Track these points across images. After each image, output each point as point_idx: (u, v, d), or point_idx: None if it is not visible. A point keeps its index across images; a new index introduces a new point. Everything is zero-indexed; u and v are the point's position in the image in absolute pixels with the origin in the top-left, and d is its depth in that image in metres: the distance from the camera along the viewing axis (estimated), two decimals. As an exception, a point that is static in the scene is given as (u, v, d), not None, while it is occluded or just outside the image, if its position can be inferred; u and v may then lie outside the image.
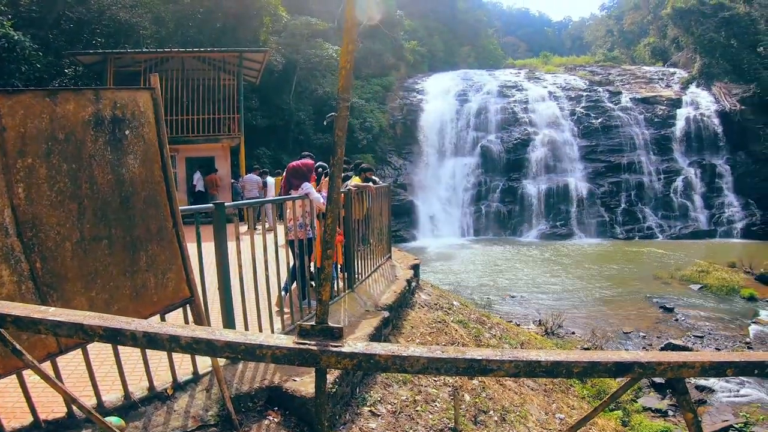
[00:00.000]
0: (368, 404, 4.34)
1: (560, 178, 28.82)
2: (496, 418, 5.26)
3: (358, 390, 4.44)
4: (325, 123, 17.36)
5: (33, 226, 2.28)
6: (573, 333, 12.07)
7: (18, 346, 1.19)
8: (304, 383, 3.74)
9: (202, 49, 18.32)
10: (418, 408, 4.65)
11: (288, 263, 5.07)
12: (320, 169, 6.72)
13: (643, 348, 11.22)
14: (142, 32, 21.98)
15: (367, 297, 5.94)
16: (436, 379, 5.40)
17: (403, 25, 42.29)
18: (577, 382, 7.90)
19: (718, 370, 1.22)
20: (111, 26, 21.29)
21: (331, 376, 3.92)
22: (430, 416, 4.62)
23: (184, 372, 3.56)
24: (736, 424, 7.76)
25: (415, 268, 8.21)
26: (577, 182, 28.57)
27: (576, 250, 24.10)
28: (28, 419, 2.81)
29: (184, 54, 17.54)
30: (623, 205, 27.94)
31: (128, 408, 3.16)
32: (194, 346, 1.05)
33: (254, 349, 1.06)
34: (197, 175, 16.76)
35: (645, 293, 15.83)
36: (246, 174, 16.10)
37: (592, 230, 27.39)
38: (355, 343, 1.09)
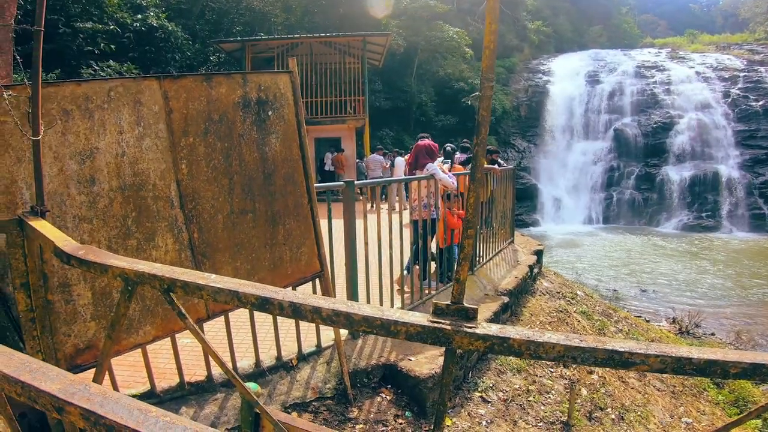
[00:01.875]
0: (479, 390, 4.29)
1: (708, 165, 25.81)
2: (613, 416, 4.98)
3: (470, 374, 4.41)
4: (469, 102, 17.32)
5: (193, 199, 2.55)
6: (712, 334, 10.95)
7: (183, 310, 1.34)
8: (418, 363, 3.79)
9: (327, 34, 19.05)
10: (531, 398, 4.52)
11: (411, 243, 5.15)
12: (449, 149, 6.70)
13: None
14: (273, 20, 23.45)
15: (487, 281, 5.86)
16: (552, 370, 5.22)
17: (526, 4, 40.29)
18: (712, 386, 7.21)
19: None
20: (247, 15, 23.01)
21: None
22: (542, 408, 4.47)
23: (308, 344, 3.76)
24: None
25: (538, 254, 7.92)
26: (730, 170, 25.41)
27: (723, 245, 21.59)
28: (175, 380, 3.13)
29: (311, 39, 18.40)
30: (788, 198, 24.37)
31: (257, 375, 3.40)
32: (334, 318, 1.11)
33: (390, 325, 1.09)
34: (329, 155, 17.62)
35: (806, 297, 13.87)
36: (370, 154, 16.60)
37: (745, 224, 24.25)
38: (490, 326, 1.08)
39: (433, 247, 5.75)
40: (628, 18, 53.15)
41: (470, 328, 1.08)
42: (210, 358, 3.06)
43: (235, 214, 2.70)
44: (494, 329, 1.07)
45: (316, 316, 1.13)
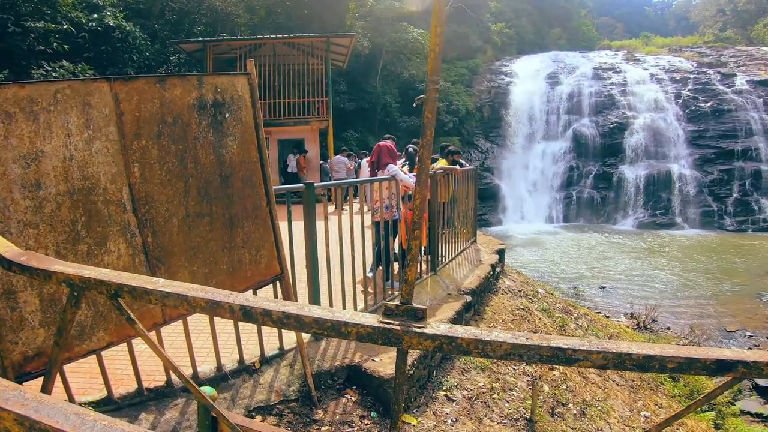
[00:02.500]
0: (444, 389, 4.34)
1: (662, 164, 26.79)
2: (575, 412, 5.12)
3: (435, 374, 4.45)
4: (414, 105, 17.50)
5: (146, 203, 2.49)
6: (668, 329, 11.38)
7: (132, 315, 1.32)
8: (382, 363, 3.81)
9: (291, 35, 18.90)
10: (495, 396, 4.60)
11: (373, 245, 5.15)
12: (411, 150, 6.74)
13: (749, 348, 10.32)
14: (236, 20, 23.15)
15: (450, 280, 5.93)
16: (515, 367, 5.32)
17: (489, 6, 40.98)
18: (668, 379, 7.49)
19: None
20: (208, 15, 22.64)
21: (410, 358, 3.97)
22: (507, 405, 4.56)
23: (271, 347, 3.73)
24: None
25: (500, 253, 8.05)
26: (681, 169, 26.46)
27: (676, 241, 22.46)
28: (133, 386, 3.06)
29: (275, 40, 18.24)
30: (735, 195, 25.44)
31: (219, 379, 3.35)
32: (284, 321, 1.11)
33: (340, 326, 1.10)
34: (292, 157, 17.47)
35: (755, 289, 14.51)
36: (334, 155, 16.55)
37: (696, 220, 25.28)
38: (438, 325, 1.10)
39: (396, 247, 5.78)
40: (586, 21, 54.60)
41: (419, 328, 1.09)
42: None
43: (191, 218, 2.65)
44: (443, 329, 1.09)
45: (267, 318, 1.13)
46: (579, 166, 28.00)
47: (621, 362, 1.06)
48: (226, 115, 2.81)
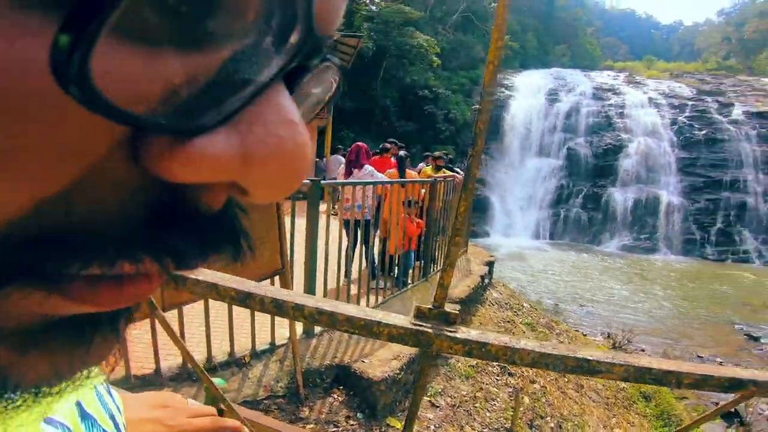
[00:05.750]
0: (429, 395, 4.37)
1: (651, 189, 27.16)
2: (552, 425, 5.22)
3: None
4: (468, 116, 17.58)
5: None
6: (643, 350, 11.52)
7: (153, 300, 1.31)
8: (372, 365, 3.82)
9: (299, 32, 18.84)
10: (477, 404, 4.66)
11: (350, 245, 5.16)
12: (402, 155, 6.74)
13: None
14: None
15: (440, 288, 5.96)
16: (498, 378, 5.39)
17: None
18: (640, 399, 7.65)
19: None
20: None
21: (399, 362, 3.99)
22: (488, 414, 4.63)
23: (262, 341, 3.70)
24: None
25: (490, 265, 8.11)
26: (670, 196, 26.86)
27: (658, 266, 22.86)
28: (121, 373, 3.00)
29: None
30: (719, 225, 25.88)
31: (209, 370, 3.30)
32: (317, 317, 1.11)
33: (372, 326, 1.10)
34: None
35: (728, 319, 14.91)
36: (331, 155, 16.54)
37: (679, 247, 25.67)
38: (469, 331, 1.11)
39: (376, 252, 5.79)
40: (592, 39, 55.20)
41: (451, 332, 1.10)
42: (160, 352, 2.99)
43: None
44: (474, 334, 1.09)
45: (299, 313, 1.12)
46: (570, 185, 28.25)
47: (641, 376, 1.08)
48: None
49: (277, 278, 3.13)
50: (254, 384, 3.41)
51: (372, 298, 4.73)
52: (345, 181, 5.08)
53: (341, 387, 3.78)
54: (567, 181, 28.53)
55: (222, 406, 1.55)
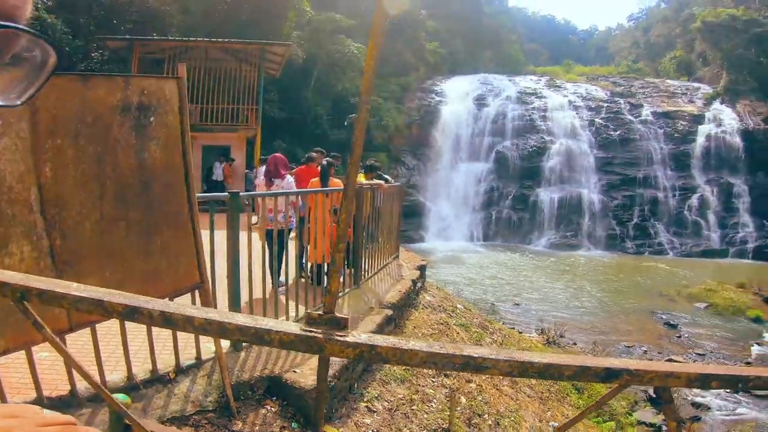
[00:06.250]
0: (365, 400, 4.39)
1: (574, 188, 28.62)
2: (490, 422, 5.30)
3: (356, 386, 4.50)
4: (345, 123, 17.58)
5: (57, 204, 2.35)
6: (574, 344, 12.07)
7: (39, 320, 1.26)
8: (303, 374, 3.81)
9: (225, 40, 18.45)
10: (414, 407, 4.69)
11: (271, 256, 5.13)
12: (325, 163, 6.76)
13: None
14: (168, 20, 22.28)
15: (371, 294, 6.01)
16: (434, 379, 5.45)
17: (426, 25, 42.09)
18: (573, 391, 7.92)
19: (703, 382, 1.20)
20: (139, 13, 21.61)
21: (332, 370, 3.99)
22: (426, 416, 4.66)
23: (187, 357, 3.61)
24: None
25: (422, 269, 8.24)
26: (591, 194, 28.41)
27: (584, 262, 24.03)
28: (32, 395, 2.84)
29: (207, 44, 17.75)
30: (635, 220, 27.67)
31: (131, 389, 3.20)
32: (206, 327, 1.11)
33: (263, 334, 1.11)
34: (218, 164, 16.93)
35: (650, 308, 15.80)
36: (261, 166, 16.25)
37: (601, 243, 27.19)
38: (360, 335, 1.15)
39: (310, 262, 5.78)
40: (516, 46, 57.13)
41: (341, 336, 1.12)
42: (74, 372, 2.84)
43: (106, 222, 2.54)
44: (364, 338, 1.13)
45: (188, 325, 1.12)
46: (500, 187, 29.22)
47: (525, 370, 1.14)
48: (151, 119, 2.72)
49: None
50: (181, 400, 3.32)
51: (302, 308, 4.70)
52: (266, 192, 5.03)
53: (274, 398, 3.74)
54: (497, 183, 29.48)
55: (127, 421, 1.51)
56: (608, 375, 1.16)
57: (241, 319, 1.16)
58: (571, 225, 27.72)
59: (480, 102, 32.87)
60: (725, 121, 29.99)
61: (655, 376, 1.16)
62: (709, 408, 9.08)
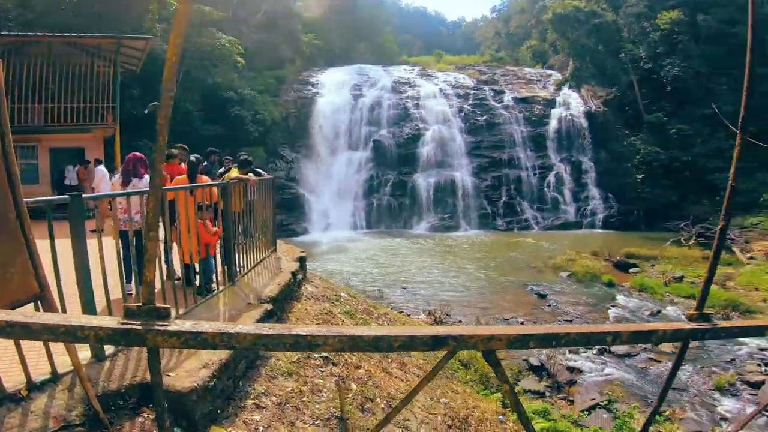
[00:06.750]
0: (252, 397, 4.33)
1: (448, 172, 30.18)
2: (382, 405, 5.40)
3: (241, 383, 4.42)
4: (146, 111, 16.58)
5: None
6: (460, 321, 12.65)
7: None
8: (179, 377, 3.69)
9: (73, 34, 16.67)
10: (305, 399, 4.70)
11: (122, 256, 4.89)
12: (194, 159, 6.49)
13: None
14: (2, 14, 19.75)
15: (249, 290, 5.89)
16: (322, 369, 5.47)
17: (301, 17, 41.62)
18: (461, 367, 8.30)
19: (522, 342, 1.31)
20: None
21: (209, 370, 3.88)
22: (317, 406, 4.68)
23: (41, 372, 3.33)
24: (602, 401, 8.60)
25: (301, 260, 8.22)
26: (463, 176, 30.14)
27: (462, 242, 25.36)
28: None
29: (51, 38, 15.92)
30: (504, 199, 29.96)
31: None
32: (8, 330, 1.05)
33: (75, 331, 1.07)
34: (71, 168, 15.35)
35: (523, 281, 17.11)
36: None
37: (475, 222, 29.05)
38: (184, 322, 1.14)
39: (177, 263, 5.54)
40: (390, 36, 58.39)
41: (162, 326, 1.11)
42: None
43: None
44: (187, 325, 1.13)
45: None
46: (379, 175, 29.98)
47: (355, 344, 1.19)
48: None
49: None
50: (40, 417, 3.07)
51: (172, 311, 4.45)
52: (109, 193, 4.72)
53: (150, 405, 3.56)
54: (376, 171, 30.20)
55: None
56: (435, 342, 1.25)
57: (50, 318, 1.10)
58: (447, 207, 29.25)
59: (356, 92, 33.39)
60: (573, 105, 33.47)
61: (478, 340, 1.27)
62: (581, 371, 9.93)
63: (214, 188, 5.56)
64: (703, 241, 23.17)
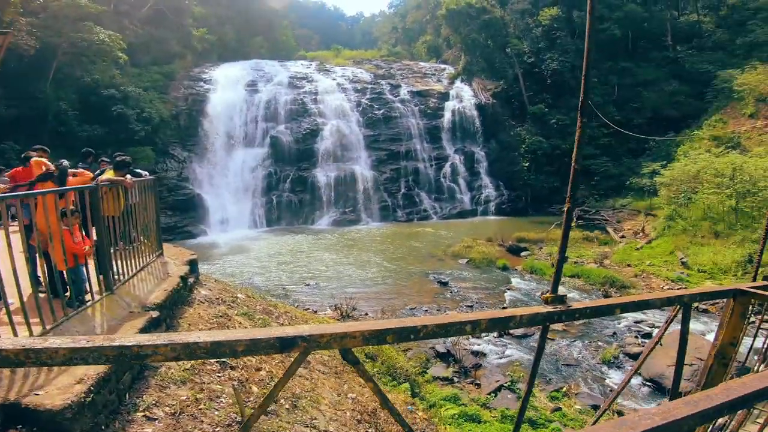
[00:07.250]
0: (141, 409, 4.13)
1: (347, 166, 30.42)
2: (287, 406, 5.33)
3: (127, 396, 4.21)
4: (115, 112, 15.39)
5: None
6: (366, 314, 12.77)
7: None
8: (50, 395, 3.46)
9: None
10: (202, 406, 4.55)
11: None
12: (63, 166, 6.00)
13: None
14: None
15: (131, 298, 5.58)
16: (219, 374, 5.30)
17: (192, 11, 39.64)
18: (367, 360, 8.30)
19: (379, 337, 1.30)
20: None
21: (83, 385, 3.68)
22: (216, 413, 4.55)
23: None
24: (506, 383, 9.11)
25: (192, 263, 7.89)
26: (363, 170, 30.52)
27: (364, 235, 25.71)
28: None
29: None
30: (403, 190, 30.79)
31: None
32: None
33: None
34: None
35: (425, 270, 17.68)
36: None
37: (377, 215, 29.56)
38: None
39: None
40: (287, 31, 57.27)
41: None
42: None
43: None
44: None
45: None
46: (277, 171, 29.52)
47: (191, 352, 1.13)
48: None
49: None
50: None
51: (37, 327, 4.10)
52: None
53: (19, 426, 3.32)
54: (274, 168, 29.70)
55: None
56: (283, 344, 1.20)
57: None
58: (348, 201, 29.45)
59: (252, 88, 32.63)
60: (465, 98, 35.04)
61: (330, 338, 1.23)
62: (485, 354, 10.46)
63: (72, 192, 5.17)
64: (581, 222, 25.49)
